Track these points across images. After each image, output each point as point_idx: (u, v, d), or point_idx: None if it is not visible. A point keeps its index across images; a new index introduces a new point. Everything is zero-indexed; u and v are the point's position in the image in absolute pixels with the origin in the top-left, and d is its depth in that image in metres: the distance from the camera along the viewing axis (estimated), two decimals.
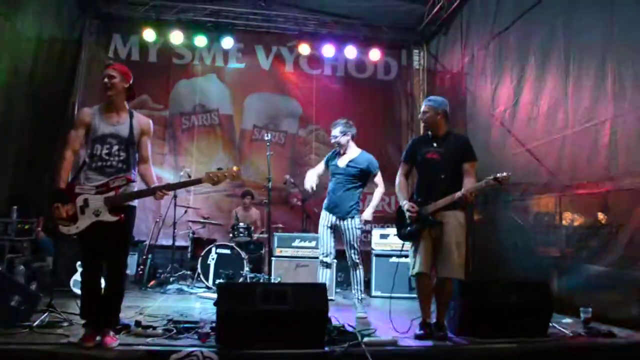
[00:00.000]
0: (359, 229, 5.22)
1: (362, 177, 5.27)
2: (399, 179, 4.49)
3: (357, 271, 5.24)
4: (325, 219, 5.29)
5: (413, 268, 4.24)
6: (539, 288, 4.40)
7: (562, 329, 4.36)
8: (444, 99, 4.46)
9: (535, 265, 5.82)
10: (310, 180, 5.38)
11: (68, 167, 3.72)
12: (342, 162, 5.30)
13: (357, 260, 5.22)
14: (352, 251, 5.23)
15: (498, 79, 6.92)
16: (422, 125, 4.51)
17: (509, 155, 6.49)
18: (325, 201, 5.37)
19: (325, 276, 5.26)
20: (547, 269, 5.59)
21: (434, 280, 4.27)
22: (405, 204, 4.27)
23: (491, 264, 6.60)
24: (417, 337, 4.10)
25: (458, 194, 4.01)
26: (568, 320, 4.81)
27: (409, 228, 4.26)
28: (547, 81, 5.85)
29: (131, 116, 3.83)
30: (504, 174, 3.85)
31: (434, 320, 4.23)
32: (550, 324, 4.32)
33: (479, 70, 7.50)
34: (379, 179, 5.30)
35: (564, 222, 5.56)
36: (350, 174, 5.23)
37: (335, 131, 5.32)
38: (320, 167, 5.53)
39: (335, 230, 5.27)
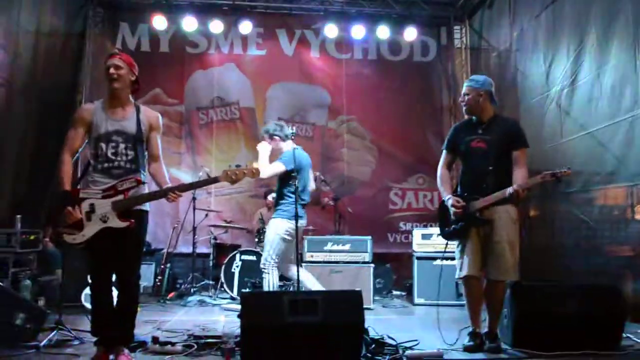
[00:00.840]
0: (274, 228, 5.14)
1: (281, 175, 5.26)
2: (440, 170, 4.41)
3: (263, 279, 5.14)
4: None
5: (460, 271, 4.15)
6: (608, 293, 4.24)
7: (638, 341, 4.21)
8: (487, 77, 4.35)
9: (603, 266, 5.64)
10: None
11: (69, 170, 3.71)
12: None
13: (262, 266, 5.15)
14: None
15: (552, 54, 6.74)
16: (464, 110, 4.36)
17: (567, 140, 6.33)
18: None
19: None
20: (619, 271, 5.41)
21: (483, 284, 4.16)
22: (449, 199, 4.18)
23: (549, 266, 6.43)
24: (467, 349, 4.04)
25: (509, 189, 3.89)
26: None
27: (453, 226, 4.17)
28: (611, 54, 5.64)
29: (138, 111, 3.82)
30: (564, 169, 3.74)
31: (485, 329, 4.14)
32: (624, 335, 4.17)
33: (530, 46, 7.34)
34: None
35: (637, 216, 5.35)
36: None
37: (266, 138, 5.37)
38: None
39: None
